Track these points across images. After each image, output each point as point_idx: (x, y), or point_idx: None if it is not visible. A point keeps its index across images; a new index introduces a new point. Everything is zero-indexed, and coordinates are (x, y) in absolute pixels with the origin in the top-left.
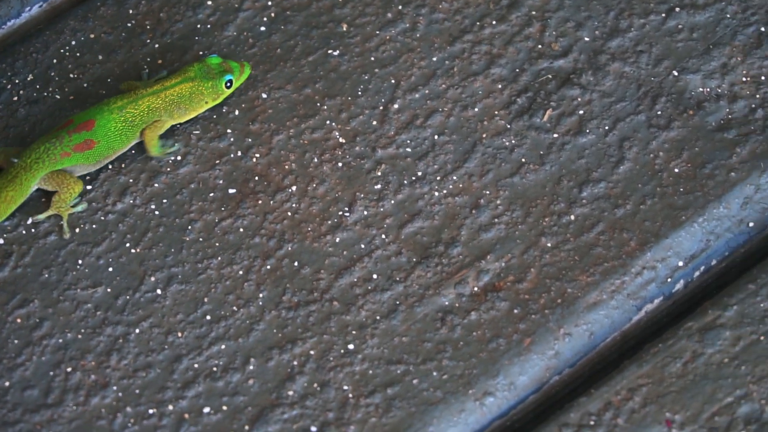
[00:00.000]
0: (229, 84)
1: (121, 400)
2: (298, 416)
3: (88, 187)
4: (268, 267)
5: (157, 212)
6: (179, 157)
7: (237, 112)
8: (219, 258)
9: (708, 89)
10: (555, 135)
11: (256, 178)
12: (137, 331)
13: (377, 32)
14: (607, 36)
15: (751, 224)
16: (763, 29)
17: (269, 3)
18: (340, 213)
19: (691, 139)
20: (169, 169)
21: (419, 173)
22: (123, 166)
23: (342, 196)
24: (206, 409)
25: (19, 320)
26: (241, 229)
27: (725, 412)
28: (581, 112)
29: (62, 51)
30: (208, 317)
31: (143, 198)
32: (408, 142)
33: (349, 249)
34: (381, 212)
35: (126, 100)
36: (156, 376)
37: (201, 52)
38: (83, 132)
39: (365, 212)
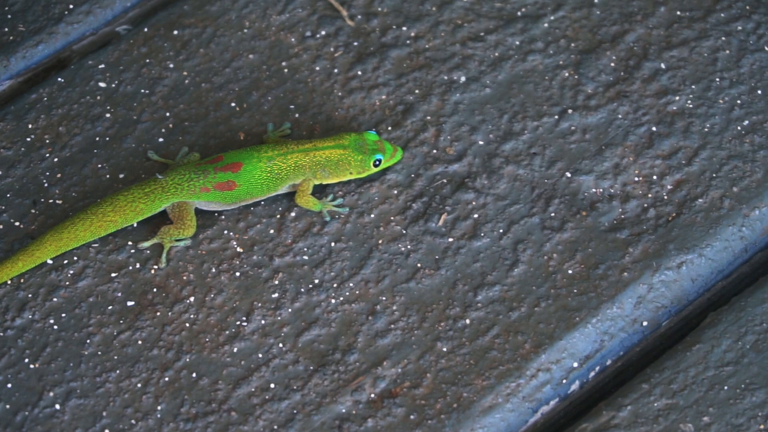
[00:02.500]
0: (377, 163)
1: None
2: None
3: None
4: (167, 379)
5: (56, 327)
6: (74, 272)
7: (135, 224)
8: (118, 371)
9: (601, 190)
10: (450, 239)
11: (155, 289)
12: None
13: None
14: (501, 139)
15: (644, 323)
16: (654, 129)
17: (167, 114)
18: (238, 323)
19: (584, 240)
20: (68, 283)
21: (316, 281)
22: (22, 281)
23: (240, 306)
24: None
25: None
26: (140, 342)
27: None
28: (476, 215)
29: None
30: (107, 431)
31: (42, 313)
32: (305, 249)
33: (247, 358)
34: (278, 321)
35: (276, 152)
36: None
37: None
38: (228, 172)
39: (263, 321)
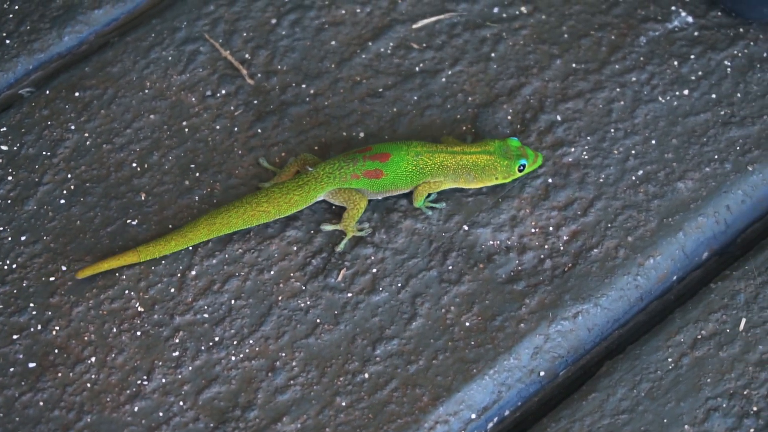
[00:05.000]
0: (521, 168)
1: None
2: None
3: None
4: None
5: None
6: None
7: (37, 286)
8: None
9: (498, 242)
10: (349, 294)
11: (56, 351)
12: None
13: (175, 200)
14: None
15: (542, 373)
16: (550, 180)
17: (69, 176)
18: (139, 382)
19: (481, 292)
20: None
21: (216, 338)
22: None
23: (141, 365)
24: None
25: None
26: (41, 403)
27: None
28: (374, 270)
29: None
30: None
31: None
32: (205, 308)
33: (148, 417)
34: (179, 379)
35: (425, 148)
36: None
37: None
38: (377, 161)
39: (163, 380)
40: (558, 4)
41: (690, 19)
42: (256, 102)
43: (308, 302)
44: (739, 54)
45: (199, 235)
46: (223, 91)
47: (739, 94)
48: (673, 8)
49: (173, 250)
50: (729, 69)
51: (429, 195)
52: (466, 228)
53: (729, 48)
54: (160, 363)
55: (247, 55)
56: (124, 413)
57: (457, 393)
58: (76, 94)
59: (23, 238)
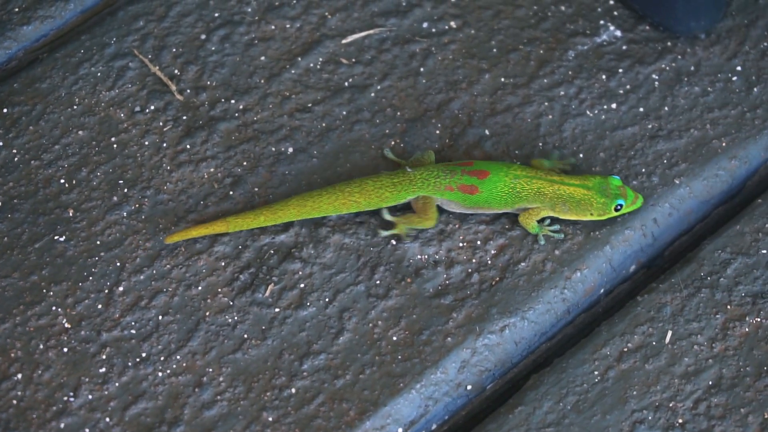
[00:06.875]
0: (618, 208)
1: None
2: None
3: None
4: None
5: None
6: None
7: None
8: None
9: (426, 256)
10: (277, 309)
11: None
12: None
13: (104, 216)
14: None
15: (469, 387)
16: None
17: None
18: (65, 398)
19: (408, 306)
20: None
21: (144, 354)
22: None
23: (67, 382)
24: None
25: None
26: None
27: None
28: (302, 285)
29: None
30: None
31: None
32: (133, 323)
33: None
34: (106, 395)
35: (525, 172)
36: None
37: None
38: (474, 177)
39: (90, 396)
40: (487, 18)
41: (618, 33)
42: (185, 118)
43: (236, 317)
44: (667, 68)
45: (288, 214)
46: (152, 107)
47: (666, 108)
48: (602, 22)
49: (261, 224)
50: (657, 83)
51: (544, 220)
52: (394, 242)
53: (657, 62)
54: (87, 379)
55: (176, 71)
56: (50, 430)
57: (384, 407)
58: (5, 110)
59: None
